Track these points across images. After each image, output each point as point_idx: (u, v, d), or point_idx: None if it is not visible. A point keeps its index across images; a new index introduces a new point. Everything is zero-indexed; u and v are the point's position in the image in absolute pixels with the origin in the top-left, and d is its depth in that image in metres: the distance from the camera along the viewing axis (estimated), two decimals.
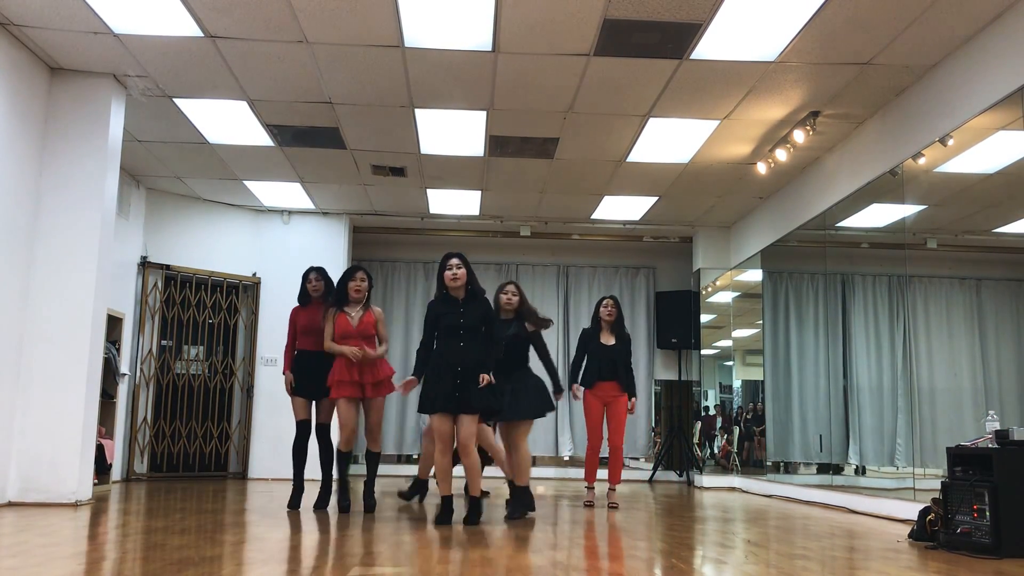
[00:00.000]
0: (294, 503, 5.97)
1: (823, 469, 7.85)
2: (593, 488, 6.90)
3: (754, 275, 9.55)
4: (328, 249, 10.00)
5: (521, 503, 5.68)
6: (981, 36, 5.33)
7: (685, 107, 6.65)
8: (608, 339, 6.74)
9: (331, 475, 6.13)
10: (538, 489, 8.48)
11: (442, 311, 5.22)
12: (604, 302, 6.82)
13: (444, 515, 5.14)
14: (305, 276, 6.22)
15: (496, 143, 7.56)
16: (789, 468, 8.72)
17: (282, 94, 6.55)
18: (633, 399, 6.67)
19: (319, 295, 6.12)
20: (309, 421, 6.11)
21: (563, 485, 9.44)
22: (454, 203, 9.58)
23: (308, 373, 6.01)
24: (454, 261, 5.25)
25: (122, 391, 8.53)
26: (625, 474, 10.38)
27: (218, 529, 4.62)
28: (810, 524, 5.62)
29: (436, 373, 5.14)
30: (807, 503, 7.39)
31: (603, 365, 6.65)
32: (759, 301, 9.37)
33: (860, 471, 7.19)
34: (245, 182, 8.89)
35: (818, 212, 7.70)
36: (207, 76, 6.26)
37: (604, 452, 6.78)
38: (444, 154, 7.91)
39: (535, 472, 10.05)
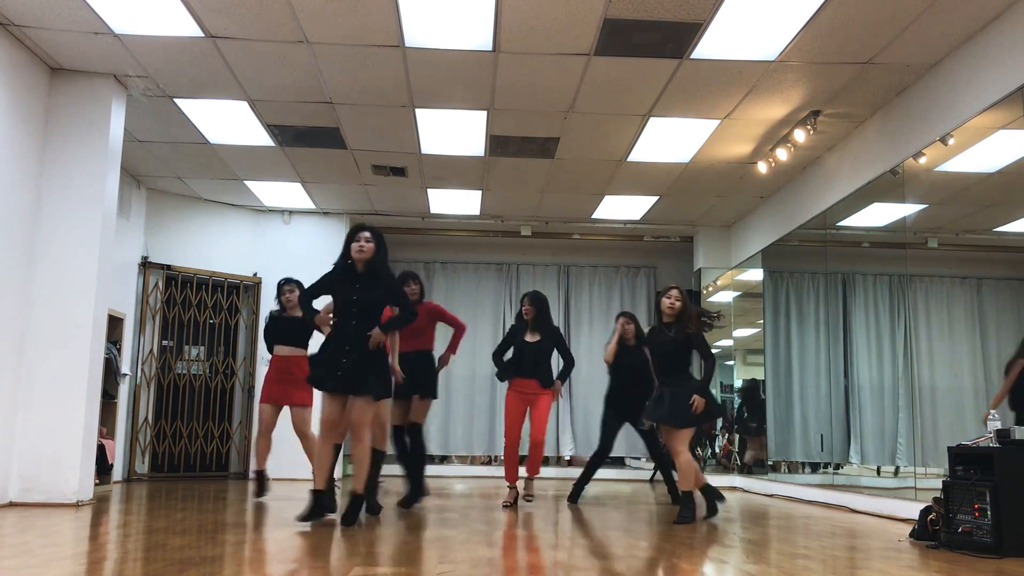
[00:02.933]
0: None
1: (822, 468, 7.85)
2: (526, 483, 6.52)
3: (755, 275, 9.55)
4: (329, 249, 9.94)
5: (688, 508, 5.46)
6: (981, 35, 5.33)
7: (685, 107, 6.65)
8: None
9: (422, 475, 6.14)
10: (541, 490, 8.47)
11: (339, 283, 4.94)
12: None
13: (313, 511, 4.73)
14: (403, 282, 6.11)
15: (496, 143, 7.56)
16: (794, 467, 8.72)
17: (282, 94, 6.55)
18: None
19: (416, 298, 6.03)
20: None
21: (564, 485, 9.42)
22: (455, 203, 9.58)
23: (408, 374, 5.91)
24: (364, 235, 5.04)
25: (123, 391, 8.53)
26: (626, 473, 10.41)
27: (219, 529, 4.62)
28: (811, 523, 5.62)
29: (327, 350, 4.81)
30: (808, 502, 7.38)
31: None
32: (760, 301, 9.36)
33: (878, 472, 7.15)
34: (245, 182, 8.89)
35: (819, 211, 7.69)
36: (207, 76, 6.26)
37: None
38: (444, 154, 7.90)
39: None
